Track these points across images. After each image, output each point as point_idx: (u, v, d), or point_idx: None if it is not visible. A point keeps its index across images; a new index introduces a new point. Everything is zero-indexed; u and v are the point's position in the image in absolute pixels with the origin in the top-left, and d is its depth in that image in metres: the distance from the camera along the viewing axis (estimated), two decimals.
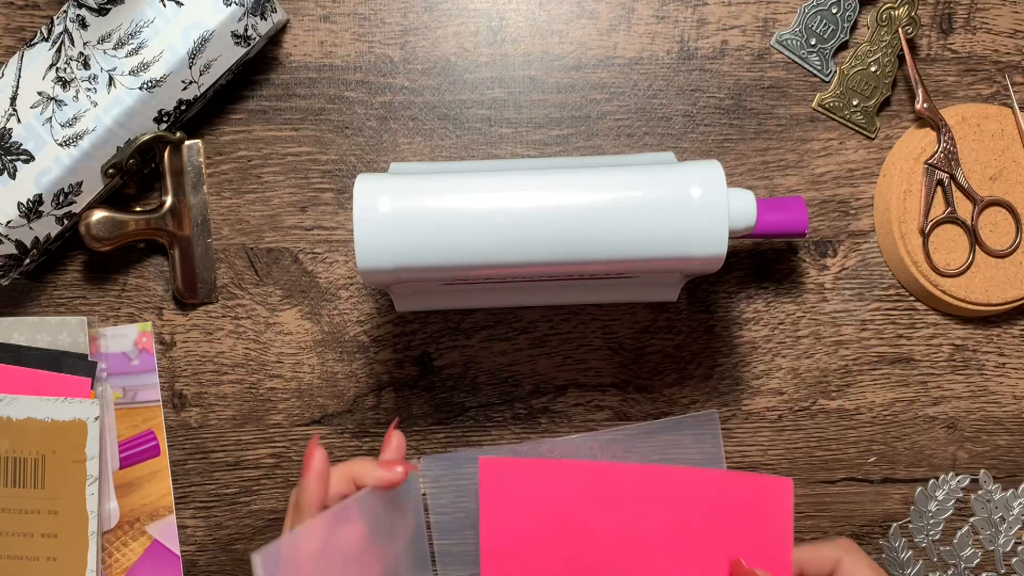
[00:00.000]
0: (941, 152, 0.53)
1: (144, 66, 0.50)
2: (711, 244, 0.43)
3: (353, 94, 0.54)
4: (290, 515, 0.44)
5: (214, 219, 0.55)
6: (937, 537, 0.57)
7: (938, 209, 0.54)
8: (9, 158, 0.50)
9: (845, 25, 0.54)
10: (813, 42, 0.54)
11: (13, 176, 0.50)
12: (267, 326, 0.55)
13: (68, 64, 0.50)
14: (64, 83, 0.50)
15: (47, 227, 0.51)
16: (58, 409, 0.52)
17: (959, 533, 0.57)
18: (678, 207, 0.43)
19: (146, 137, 0.52)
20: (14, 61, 0.50)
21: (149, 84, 0.50)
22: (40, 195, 0.50)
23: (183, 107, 0.52)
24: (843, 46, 0.55)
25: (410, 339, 0.55)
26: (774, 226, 0.49)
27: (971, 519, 0.57)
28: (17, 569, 0.53)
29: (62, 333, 0.53)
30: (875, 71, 0.54)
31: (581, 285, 0.51)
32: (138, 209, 0.54)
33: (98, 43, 0.50)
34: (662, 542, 0.49)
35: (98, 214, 0.52)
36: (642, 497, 0.49)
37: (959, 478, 0.56)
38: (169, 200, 0.54)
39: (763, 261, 0.55)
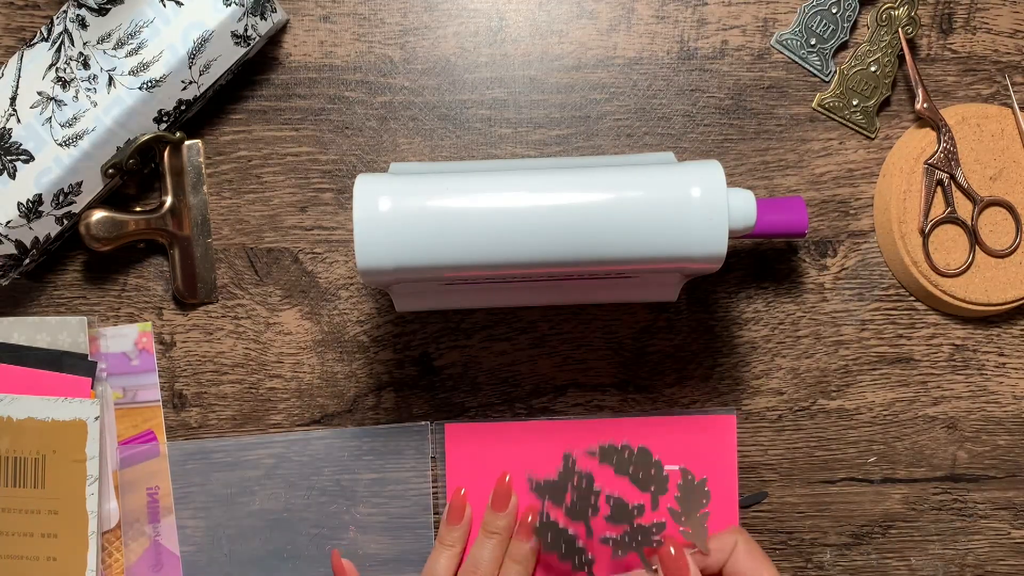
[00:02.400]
0: (941, 152, 0.53)
1: (144, 66, 0.50)
2: (711, 244, 0.43)
3: (353, 94, 0.54)
4: None
5: (214, 219, 0.55)
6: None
7: (938, 209, 0.54)
8: (9, 158, 0.50)
9: (845, 25, 0.54)
10: (813, 42, 0.54)
11: (13, 176, 0.50)
12: (267, 326, 0.55)
13: (68, 64, 0.50)
14: (64, 83, 0.50)
15: (47, 227, 0.51)
16: (58, 409, 0.52)
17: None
18: (678, 207, 0.43)
19: (146, 137, 0.52)
20: (14, 61, 0.50)
21: (149, 84, 0.50)
22: (40, 195, 0.50)
23: (183, 107, 0.52)
24: (843, 46, 0.55)
25: (410, 339, 0.55)
26: (774, 226, 0.49)
27: None
28: (17, 569, 0.53)
29: (62, 333, 0.53)
30: (875, 71, 0.54)
31: (581, 285, 0.51)
32: (138, 209, 0.54)
33: (98, 43, 0.50)
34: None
35: (98, 214, 0.52)
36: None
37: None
38: (169, 200, 0.54)
39: (763, 261, 0.55)
